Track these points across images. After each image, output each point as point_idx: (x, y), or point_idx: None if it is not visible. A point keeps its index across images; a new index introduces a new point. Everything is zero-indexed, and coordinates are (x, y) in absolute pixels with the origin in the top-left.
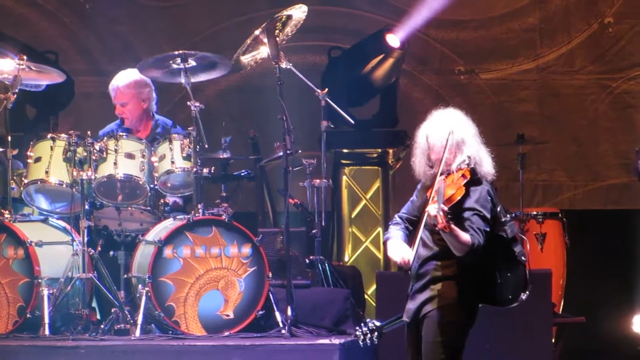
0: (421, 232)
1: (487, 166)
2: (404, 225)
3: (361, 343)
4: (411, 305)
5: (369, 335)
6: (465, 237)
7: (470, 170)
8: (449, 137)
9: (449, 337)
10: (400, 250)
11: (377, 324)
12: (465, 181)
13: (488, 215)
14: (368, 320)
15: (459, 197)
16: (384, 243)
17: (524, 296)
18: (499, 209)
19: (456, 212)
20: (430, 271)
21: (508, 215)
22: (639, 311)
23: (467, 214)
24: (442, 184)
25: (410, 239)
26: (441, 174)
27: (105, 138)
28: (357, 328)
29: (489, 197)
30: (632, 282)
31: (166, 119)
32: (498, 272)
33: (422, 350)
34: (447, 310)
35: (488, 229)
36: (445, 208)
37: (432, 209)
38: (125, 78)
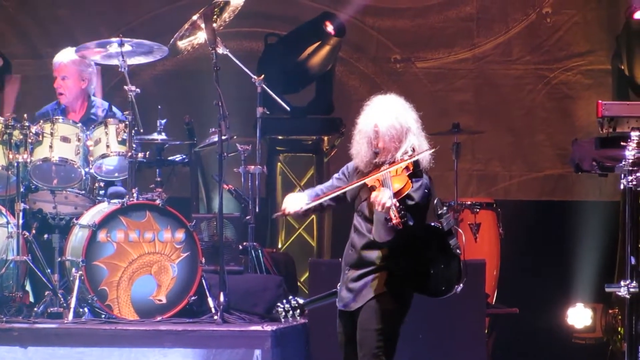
0: (354, 219)
1: (426, 157)
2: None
3: (282, 319)
4: (346, 294)
5: (290, 312)
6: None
7: (413, 163)
8: (398, 128)
9: (386, 325)
10: (293, 199)
11: (300, 301)
12: (408, 173)
13: (422, 211)
14: (291, 297)
15: (406, 192)
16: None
17: (458, 288)
18: (435, 201)
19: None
20: (365, 260)
21: (445, 208)
22: (573, 303)
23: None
24: (388, 175)
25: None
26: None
27: (42, 121)
28: (279, 304)
29: (426, 191)
30: (566, 274)
31: (102, 101)
32: (432, 263)
33: (358, 338)
34: (384, 298)
35: (412, 223)
36: (397, 204)
37: (386, 198)
38: (71, 54)
